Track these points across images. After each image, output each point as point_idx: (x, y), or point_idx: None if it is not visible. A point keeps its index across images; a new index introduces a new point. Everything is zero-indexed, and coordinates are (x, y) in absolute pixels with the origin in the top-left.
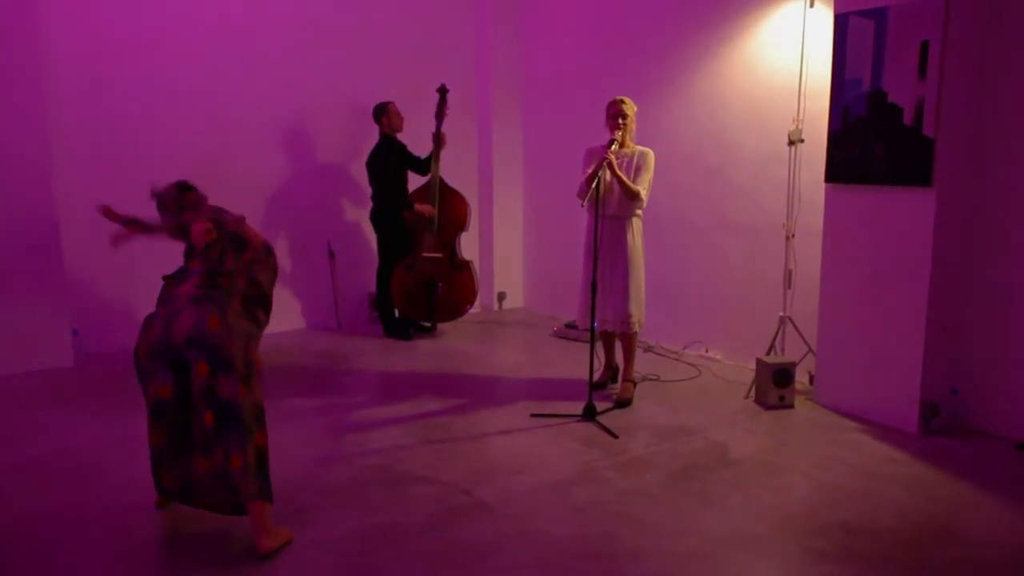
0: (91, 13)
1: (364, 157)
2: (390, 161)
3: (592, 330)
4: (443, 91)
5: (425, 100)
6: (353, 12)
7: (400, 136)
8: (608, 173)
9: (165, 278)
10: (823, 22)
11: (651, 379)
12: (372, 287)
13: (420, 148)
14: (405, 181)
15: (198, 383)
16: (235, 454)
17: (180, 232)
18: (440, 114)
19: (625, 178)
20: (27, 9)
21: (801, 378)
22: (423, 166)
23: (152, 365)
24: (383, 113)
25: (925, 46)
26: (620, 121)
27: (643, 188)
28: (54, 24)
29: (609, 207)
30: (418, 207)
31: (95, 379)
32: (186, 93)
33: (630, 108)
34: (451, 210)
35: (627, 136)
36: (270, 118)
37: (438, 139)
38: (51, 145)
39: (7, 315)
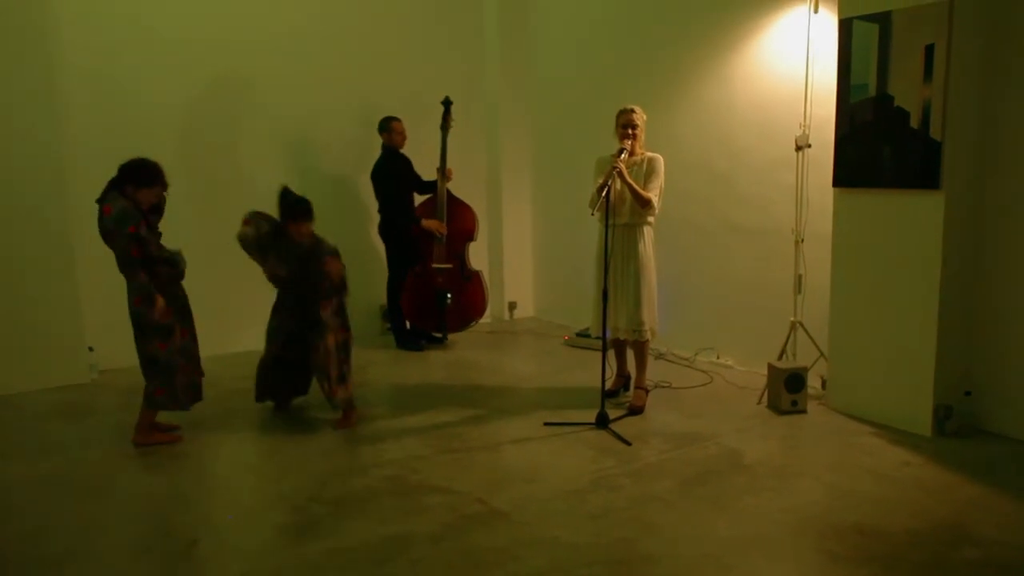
0: (98, 19)
1: (371, 168)
2: (391, 175)
3: (603, 338)
4: (447, 103)
5: (433, 109)
6: (360, 20)
7: (409, 146)
8: (619, 182)
9: None
10: (828, 27)
11: (663, 386)
12: (384, 299)
13: (427, 158)
14: (411, 194)
15: None
16: None
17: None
18: (445, 126)
19: (636, 186)
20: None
21: (814, 383)
22: (425, 188)
23: None
24: (385, 128)
25: (930, 49)
26: (631, 131)
27: (654, 194)
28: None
29: (620, 216)
30: (426, 223)
31: (111, 395)
32: (193, 105)
33: (640, 118)
34: (459, 221)
35: (637, 145)
36: (278, 129)
37: (443, 153)
38: (64, 159)
39: (23, 332)
